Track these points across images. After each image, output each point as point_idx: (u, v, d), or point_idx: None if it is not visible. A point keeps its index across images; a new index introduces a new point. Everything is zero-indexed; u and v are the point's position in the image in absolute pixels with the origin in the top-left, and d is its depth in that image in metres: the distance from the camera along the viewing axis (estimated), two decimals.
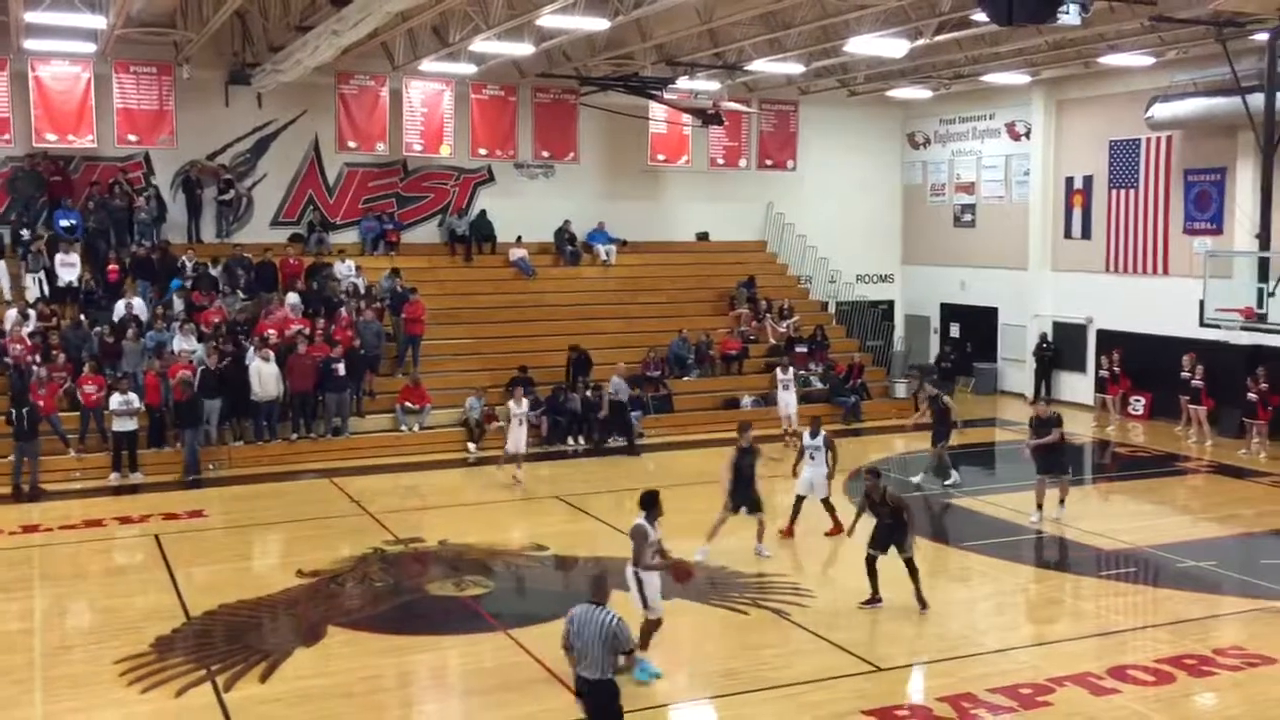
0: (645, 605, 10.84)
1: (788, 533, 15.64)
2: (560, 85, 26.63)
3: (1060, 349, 27.35)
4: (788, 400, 22.50)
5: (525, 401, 19.28)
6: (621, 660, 7.94)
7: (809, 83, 27.83)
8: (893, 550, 12.60)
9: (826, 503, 15.68)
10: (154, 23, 20.38)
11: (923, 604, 12.58)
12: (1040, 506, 16.30)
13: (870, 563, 12.66)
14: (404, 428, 21.96)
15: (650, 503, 10.81)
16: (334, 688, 10.69)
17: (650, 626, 10.94)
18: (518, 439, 18.85)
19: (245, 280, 23.32)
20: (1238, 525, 16.70)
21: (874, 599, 12.67)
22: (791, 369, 23.28)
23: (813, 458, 15.78)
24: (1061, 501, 16.52)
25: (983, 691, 10.42)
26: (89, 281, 22.42)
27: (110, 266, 22.66)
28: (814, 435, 15.84)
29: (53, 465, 19.19)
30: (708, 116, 26.31)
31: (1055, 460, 16.32)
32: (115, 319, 21.40)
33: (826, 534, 15.41)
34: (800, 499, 15.82)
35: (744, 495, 14.57)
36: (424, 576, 14.27)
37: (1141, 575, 14.48)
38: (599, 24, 18.82)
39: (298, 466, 20.37)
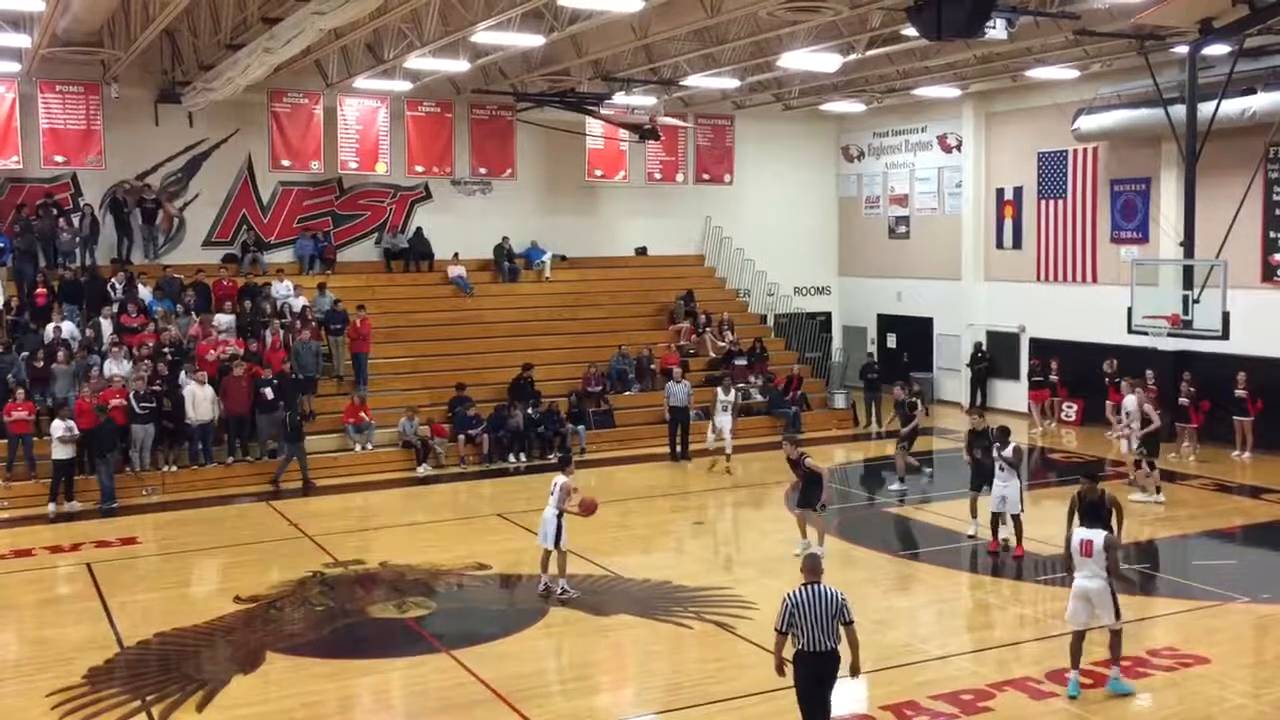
0: (1117, 616, 10.60)
1: (1007, 549, 15.40)
2: (497, 102, 26.59)
3: (994, 358, 27.79)
4: (724, 422, 21.53)
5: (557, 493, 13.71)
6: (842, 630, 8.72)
7: (744, 97, 28.05)
8: None
9: (1017, 520, 15.26)
10: (80, 41, 20.00)
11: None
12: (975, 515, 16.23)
13: None
14: (356, 447, 21.74)
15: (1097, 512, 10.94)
16: (274, 714, 10.52)
17: (1117, 639, 10.73)
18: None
19: (188, 302, 22.97)
20: (1170, 528, 17.03)
21: None
22: (734, 390, 22.61)
23: (1002, 469, 15.13)
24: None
25: (925, 699, 10.52)
26: (14, 305, 21.92)
27: (38, 290, 22.18)
28: (1003, 446, 15.17)
29: None
30: (644, 131, 26.41)
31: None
32: (45, 342, 20.93)
33: (990, 551, 15.42)
34: (996, 516, 15.38)
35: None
36: (365, 599, 14.09)
37: None
38: (534, 40, 18.84)
39: (234, 490, 20.08)
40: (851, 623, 8.73)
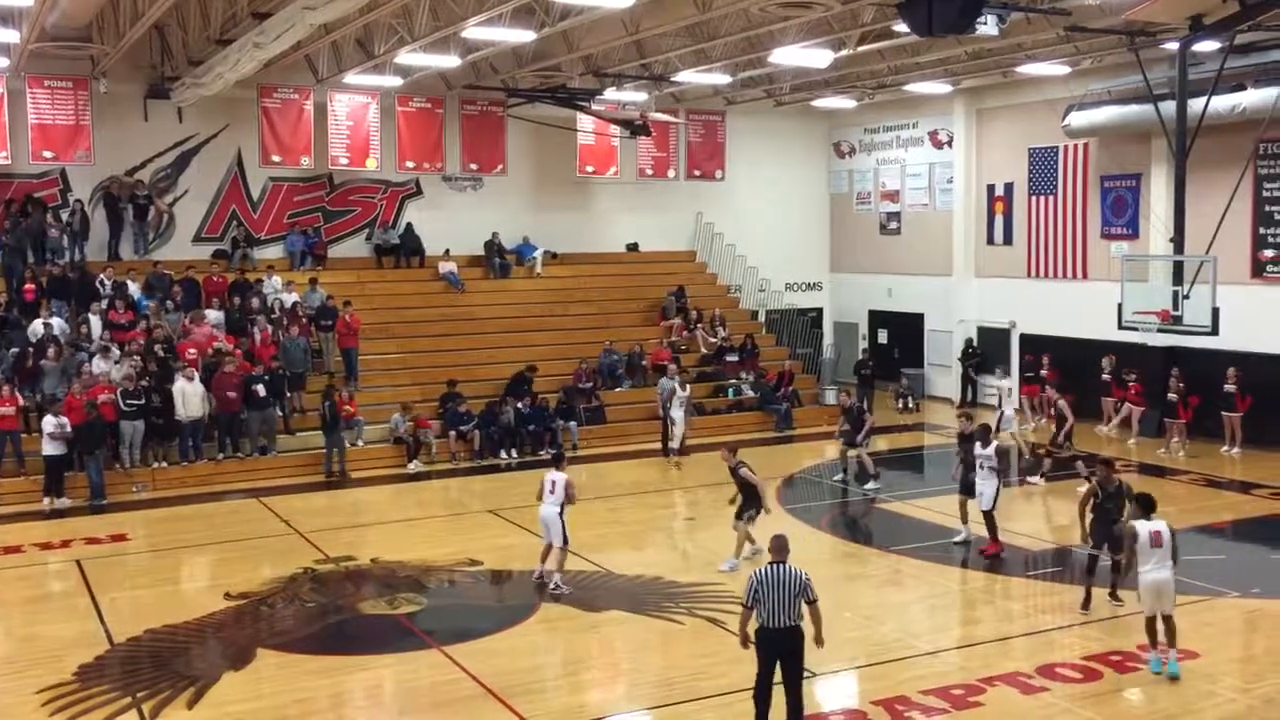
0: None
1: (992, 550, 15.14)
2: (487, 97, 26.54)
3: (985, 353, 27.83)
4: (678, 420, 21.82)
5: None
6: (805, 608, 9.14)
7: (735, 93, 28.04)
8: None
9: (988, 516, 15.10)
10: (69, 36, 19.90)
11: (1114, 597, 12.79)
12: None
13: (1092, 563, 12.67)
14: (346, 443, 21.63)
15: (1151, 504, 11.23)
16: (265, 711, 10.50)
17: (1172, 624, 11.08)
18: None
19: (177, 298, 22.88)
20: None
21: (1088, 604, 12.74)
22: (689, 387, 22.80)
23: (982, 467, 15.05)
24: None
25: (915, 694, 10.54)
26: (3, 301, 21.82)
27: (27, 286, 22.09)
28: (985, 445, 15.07)
29: None
30: (635, 127, 26.37)
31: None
32: (34, 339, 20.83)
33: (982, 551, 15.16)
34: (985, 514, 15.16)
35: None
36: (356, 595, 14.07)
37: (1068, 574, 14.70)
38: (525, 36, 18.80)
39: (224, 487, 20.03)
40: (815, 601, 9.13)
